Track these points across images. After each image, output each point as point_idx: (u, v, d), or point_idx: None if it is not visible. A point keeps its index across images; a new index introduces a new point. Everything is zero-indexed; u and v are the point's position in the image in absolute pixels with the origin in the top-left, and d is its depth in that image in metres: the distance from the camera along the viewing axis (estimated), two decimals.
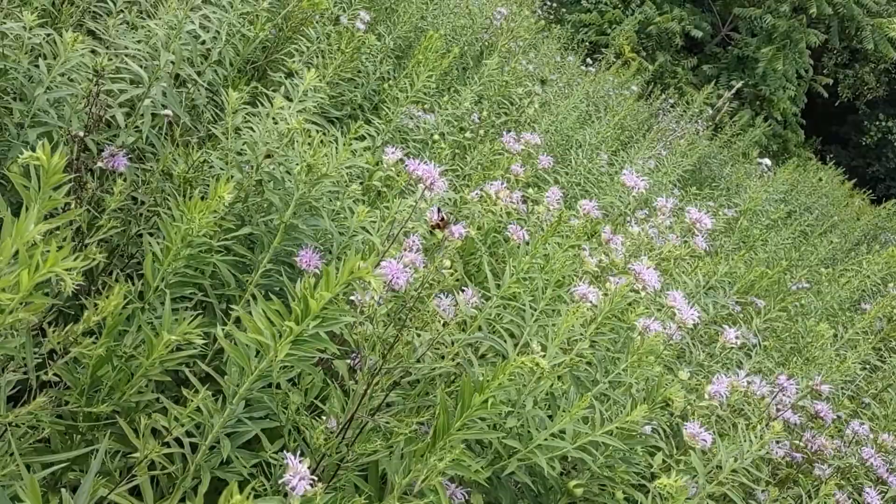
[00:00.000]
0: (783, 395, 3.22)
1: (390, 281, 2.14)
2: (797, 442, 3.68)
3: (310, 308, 1.64)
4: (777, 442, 3.28)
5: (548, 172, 5.13)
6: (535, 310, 2.43)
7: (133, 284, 2.49)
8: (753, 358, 3.51)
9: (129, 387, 2.16)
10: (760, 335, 4.48)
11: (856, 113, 26.60)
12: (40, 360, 2.10)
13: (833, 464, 3.63)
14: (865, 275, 6.62)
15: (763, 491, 3.20)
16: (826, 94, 23.05)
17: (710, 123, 12.52)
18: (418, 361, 1.94)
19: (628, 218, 4.57)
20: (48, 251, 1.52)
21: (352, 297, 2.24)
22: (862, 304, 6.99)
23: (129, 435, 1.98)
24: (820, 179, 12.21)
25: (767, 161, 14.24)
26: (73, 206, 2.38)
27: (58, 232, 1.98)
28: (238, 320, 2.31)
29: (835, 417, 3.51)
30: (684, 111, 11.63)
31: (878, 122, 26.20)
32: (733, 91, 12.62)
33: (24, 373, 2.09)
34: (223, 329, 1.82)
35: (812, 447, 3.71)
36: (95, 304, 1.94)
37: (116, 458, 2.17)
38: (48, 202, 1.94)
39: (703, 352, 3.87)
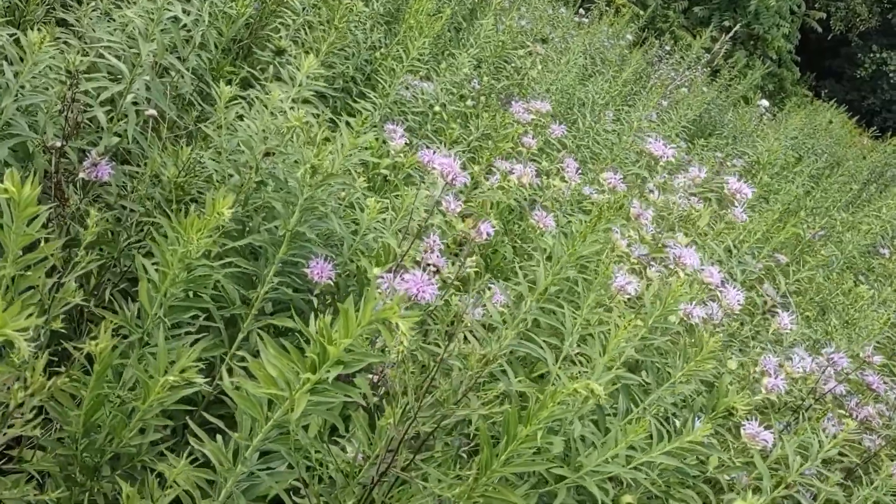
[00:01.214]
0: (833, 368, 3.02)
1: (414, 297, 1.91)
2: (842, 412, 3.49)
3: (328, 354, 1.41)
4: (828, 419, 3.06)
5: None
6: (577, 317, 2.20)
7: (128, 306, 2.25)
8: (796, 330, 3.29)
9: (129, 430, 1.94)
10: (791, 297, 4.26)
11: (849, 46, 26.16)
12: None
13: (882, 433, 3.43)
14: (885, 220, 6.41)
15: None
16: (820, 29, 22.61)
17: (708, 68, 12.20)
18: (456, 404, 1.71)
19: (647, 182, 4.32)
20: None
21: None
22: (879, 249, 6.77)
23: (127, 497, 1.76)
24: (830, 122, 11.90)
25: (765, 102, 13.91)
26: (55, 232, 2.14)
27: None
28: (248, 354, 2.09)
29: (887, 389, 3.30)
30: (682, 58, 11.32)
31: (871, 55, 25.79)
32: (731, 33, 12.30)
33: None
34: (232, 382, 1.59)
35: (858, 416, 3.51)
36: (72, 361, 1.71)
37: None
38: (22, 237, 1.71)
39: (736, 321, 3.65)
